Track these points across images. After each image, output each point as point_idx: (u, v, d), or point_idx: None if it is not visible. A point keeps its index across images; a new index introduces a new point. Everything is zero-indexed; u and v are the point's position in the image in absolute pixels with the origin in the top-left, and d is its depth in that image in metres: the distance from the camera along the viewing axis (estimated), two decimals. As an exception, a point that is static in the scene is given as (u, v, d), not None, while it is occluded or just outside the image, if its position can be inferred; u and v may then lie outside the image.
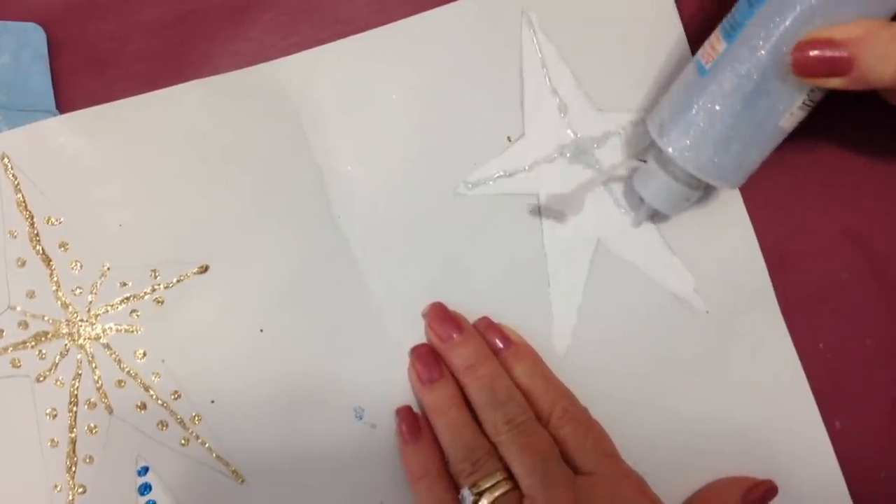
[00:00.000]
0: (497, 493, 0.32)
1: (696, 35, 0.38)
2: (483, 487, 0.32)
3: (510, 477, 0.33)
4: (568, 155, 0.38)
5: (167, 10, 0.39)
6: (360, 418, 0.37)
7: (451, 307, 0.37)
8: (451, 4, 0.38)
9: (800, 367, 0.37)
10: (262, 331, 0.37)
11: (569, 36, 0.39)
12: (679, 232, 0.38)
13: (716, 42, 0.32)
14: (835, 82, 0.30)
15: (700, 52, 0.33)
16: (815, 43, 0.29)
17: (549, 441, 0.33)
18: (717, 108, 0.32)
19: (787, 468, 0.37)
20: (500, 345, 0.36)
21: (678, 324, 0.38)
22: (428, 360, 0.36)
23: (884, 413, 0.38)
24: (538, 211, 0.38)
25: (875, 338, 0.38)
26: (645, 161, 0.35)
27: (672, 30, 0.38)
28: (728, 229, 0.38)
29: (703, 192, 0.35)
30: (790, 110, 0.31)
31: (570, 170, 0.38)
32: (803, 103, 0.31)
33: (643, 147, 0.38)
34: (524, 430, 0.33)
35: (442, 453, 0.35)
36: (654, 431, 0.37)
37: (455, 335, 0.36)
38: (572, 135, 0.38)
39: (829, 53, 0.29)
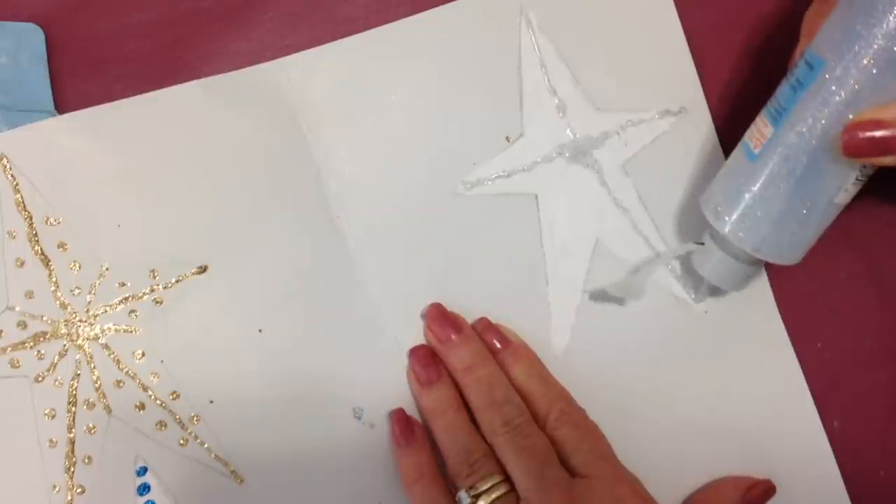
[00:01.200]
0: (494, 496, 0.32)
1: (695, 34, 0.38)
2: (480, 489, 0.32)
3: (507, 479, 0.33)
4: (567, 155, 0.38)
5: (166, 10, 0.39)
6: (359, 418, 0.37)
7: (450, 307, 0.37)
8: (450, 4, 0.38)
9: (798, 367, 0.37)
10: (260, 331, 0.37)
11: (568, 35, 0.39)
12: (678, 231, 0.38)
13: (763, 126, 0.32)
14: (888, 160, 0.30)
15: (747, 134, 0.33)
16: (863, 125, 0.29)
17: (546, 443, 0.33)
18: (770, 191, 0.32)
19: (785, 468, 0.37)
20: (499, 345, 0.36)
21: (677, 324, 0.38)
22: (426, 361, 0.36)
23: (882, 413, 0.38)
24: (538, 210, 0.38)
25: (873, 338, 0.38)
26: (702, 244, 0.35)
27: (671, 29, 0.38)
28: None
29: (762, 265, 0.35)
30: (844, 187, 0.31)
31: (568, 170, 0.38)
32: (856, 179, 0.31)
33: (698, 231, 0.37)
34: (521, 431, 0.33)
35: (436, 455, 0.35)
36: (652, 431, 0.37)
37: (454, 336, 0.36)
38: (571, 135, 0.38)
39: (879, 134, 0.29)
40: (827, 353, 0.38)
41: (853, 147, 0.30)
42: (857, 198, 0.38)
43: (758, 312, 0.38)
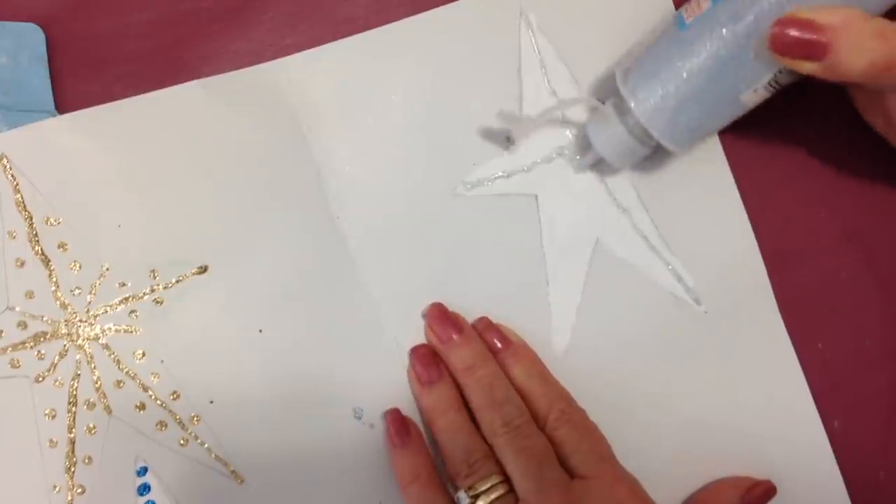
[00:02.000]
0: (493, 497, 0.32)
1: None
2: (479, 490, 0.33)
3: (506, 480, 0.33)
4: (567, 155, 0.38)
5: (166, 10, 0.39)
6: (360, 418, 0.37)
7: (451, 307, 0.37)
8: (450, 5, 0.38)
9: (798, 366, 0.37)
10: (261, 331, 0.37)
11: (567, 36, 0.39)
12: (678, 232, 0.38)
13: (702, 0, 0.32)
14: (807, 67, 0.30)
15: (684, 6, 0.33)
16: (796, 22, 0.29)
17: (545, 444, 0.33)
18: (687, 66, 0.32)
19: (785, 468, 0.37)
20: (500, 345, 0.36)
21: (677, 323, 0.38)
22: (427, 361, 0.36)
23: (882, 413, 0.38)
24: (538, 211, 0.38)
25: (874, 337, 0.38)
26: (603, 103, 0.35)
27: (671, 30, 0.38)
28: (727, 229, 0.38)
29: (651, 151, 0.35)
30: (755, 86, 0.31)
31: (568, 170, 0.38)
32: (769, 83, 0.31)
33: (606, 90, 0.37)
34: (521, 432, 0.33)
35: (432, 456, 0.35)
36: (652, 431, 0.37)
37: (454, 336, 0.36)
38: (571, 135, 0.38)
39: (807, 35, 0.29)
40: (827, 354, 0.38)
41: (779, 43, 0.29)
42: (857, 197, 0.38)
43: (758, 312, 0.38)
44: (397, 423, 0.36)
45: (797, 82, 0.32)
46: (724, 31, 0.31)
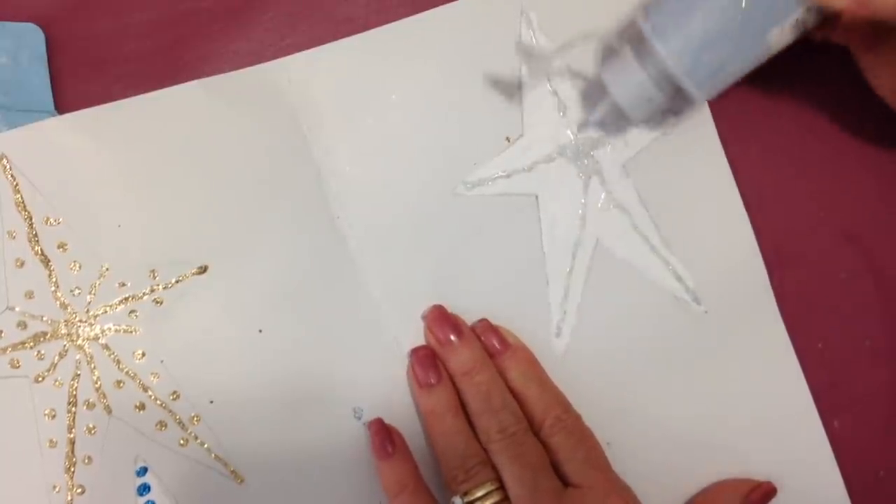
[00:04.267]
0: (488, 503, 0.32)
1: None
2: (475, 496, 0.33)
3: (502, 487, 0.33)
4: (567, 155, 0.38)
5: (166, 10, 0.39)
6: (359, 418, 0.37)
7: (450, 307, 0.37)
8: (450, 4, 0.38)
9: (798, 366, 0.37)
10: (261, 331, 0.37)
11: (568, 36, 0.38)
12: (678, 232, 0.38)
13: None
14: (837, 2, 0.29)
15: None
16: None
17: (540, 452, 0.33)
18: (714, 0, 0.31)
19: (785, 468, 0.37)
20: (498, 347, 0.36)
21: (677, 324, 0.38)
22: (427, 363, 0.36)
23: (882, 413, 0.38)
24: (538, 210, 0.38)
25: (873, 337, 0.38)
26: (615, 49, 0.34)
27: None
28: (727, 229, 0.38)
29: (667, 100, 0.34)
30: (783, 24, 0.31)
31: (569, 169, 0.38)
32: (797, 21, 0.31)
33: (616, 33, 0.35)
34: (516, 439, 0.33)
35: (417, 465, 0.35)
36: (651, 431, 0.37)
37: (453, 338, 0.36)
38: (571, 135, 0.38)
39: None
40: (827, 353, 0.38)
41: None
42: (857, 197, 0.38)
43: (758, 312, 0.38)
44: (381, 433, 0.35)
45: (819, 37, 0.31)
46: None
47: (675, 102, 0.34)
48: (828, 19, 0.31)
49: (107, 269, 0.37)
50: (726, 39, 0.31)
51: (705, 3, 0.31)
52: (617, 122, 0.35)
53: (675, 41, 0.32)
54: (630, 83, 0.33)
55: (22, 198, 0.37)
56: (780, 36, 0.31)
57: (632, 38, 0.33)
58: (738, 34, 0.31)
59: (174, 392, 0.37)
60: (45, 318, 0.37)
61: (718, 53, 0.31)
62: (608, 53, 0.34)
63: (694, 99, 0.33)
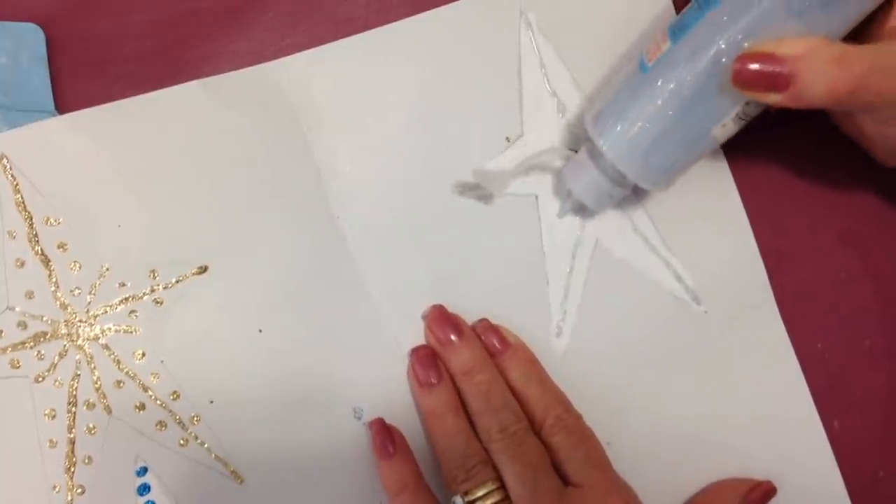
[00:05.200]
0: (489, 503, 0.32)
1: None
2: (475, 496, 0.33)
3: (502, 486, 0.33)
4: (567, 155, 0.38)
5: (166, 10, 0.39)
6: (359, 418, 0.37)
7: (450, 307, 0.37)
8: (450, 5, 0.38)
9: (798, 367, 0.37)
10: (260, 331, 0.37)
11: (567, 36, 0.39)
12: (678, 232, 0.38)
13: (661, 41, 0.32)
14: (772, 98, 0.30)
15: (644, 48, 0.33)
16: (756, 56, 0.29)
17: (541, 451, 0.33)
18: (653, 108, 0.32)
19: (785, 468, 0.37)
20: (499, 346, 0.36)
21: (677, 324, 0.38)
22: (427, 363, 0.36)
23: (882, 413, 0.38)
24: (538, 210, 0.38)
25: (873, 338, 0.38)
26: (576, 151, 0.35)
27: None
28: (726, 230, 0.38)
29: (629, 192, 0.35)
30: (723, 121, 0.31)
31: (568, 170, 0.38)
32: (737, 116, 0.31)
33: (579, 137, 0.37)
34: (516, 439, 0.33)
35: (418, 465, 0.35)
36: (651, 431, 0.37)
37: (454, 338, 0.36)
38: (571, 135, 0.38)
39: (768, 68, 0.29)
40: (827, 354, 0.38)
41: (742, 78, 0.29)
42: (857, 197, 0.39)
43: (758, 312, 0.38)
44: (382, 433, 0.36)
45: (767, 111, 0.32)
46: (685, 71, 0.31)
47: (638, 190, 0.35)
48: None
49: (107, 269, 0.37)
50: (670, 142, 0.32)
51: (643, 111, 0.32)
52: (587, 210, 0.37)
53: (622, 146, 0.33)
54: (589, 183, 0.35)
55: (22, 198, 0.37)
56: (723, 130, 0.32)
57: (587, 140, 0.35)
58: (681, 137, 0.32)
59: (174, 392, 0.37)
60: (45, 318, 0.37)
61: (666, 155, 0.33)
62: (565, 156, 0.36)
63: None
